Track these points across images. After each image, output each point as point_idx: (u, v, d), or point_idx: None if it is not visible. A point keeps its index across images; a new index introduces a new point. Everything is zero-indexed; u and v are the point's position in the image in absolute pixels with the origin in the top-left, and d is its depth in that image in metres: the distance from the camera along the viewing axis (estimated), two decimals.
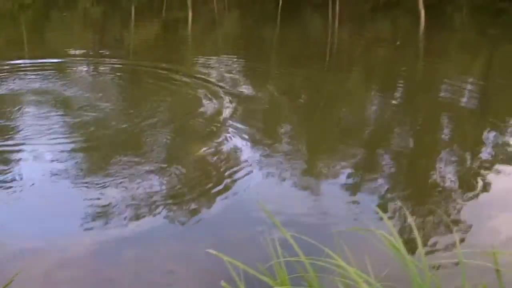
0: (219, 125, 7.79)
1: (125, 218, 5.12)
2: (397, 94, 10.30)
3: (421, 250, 2.46)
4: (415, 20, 21.38)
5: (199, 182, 5.90)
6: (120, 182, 5.70)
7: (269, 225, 4.34)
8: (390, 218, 5.02)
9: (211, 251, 2.29)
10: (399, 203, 5.29)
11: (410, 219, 2.71)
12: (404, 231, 4.37)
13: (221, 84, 10.26)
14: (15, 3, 26.53)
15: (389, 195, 5.71)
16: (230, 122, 7.93)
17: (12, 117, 8.16)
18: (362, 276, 2.23)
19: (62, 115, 8.30)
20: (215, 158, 6.60)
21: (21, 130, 7.51)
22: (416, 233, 2.65)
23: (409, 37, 18.33)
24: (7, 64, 12.27)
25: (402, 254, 2.42)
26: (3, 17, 22.85)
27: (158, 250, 4.66)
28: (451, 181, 6.11)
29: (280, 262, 2.25)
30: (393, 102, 9.79)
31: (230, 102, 9.00)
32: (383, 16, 23.48)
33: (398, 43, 17.25)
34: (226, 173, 6.10)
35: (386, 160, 6.90)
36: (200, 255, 4.42)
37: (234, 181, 5.89)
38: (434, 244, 4.61)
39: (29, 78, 10.83)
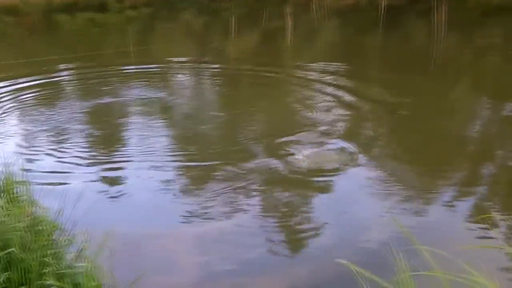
0: (321, 133, 7.69)
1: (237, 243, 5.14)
2: (509, 105, 9.70)
3: None
4: None
5: (311, 194, 5.84)
6: (224, 202, 5.60)
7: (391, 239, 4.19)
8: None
9: (341, 261, 2.21)
10: None
11: None
12: None
13: (323, 91, 10.23)
14: (122, 16, 27.81)
15: (495, 210, 5.37)
16: (333, 130, 7.82)
17: (118, 128, 8.44)
18: None
19: (167, 126, 8.50)
20: (319, 164, 6.50)
21: (127, 142, 7.68)
22: None
23: None
24: (115, 72, 12.86)
25: None
26: (112, 29, 23.95)
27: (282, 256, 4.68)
28: None
29: (408, 275, 2.13)
30: (505, 113, 9.21)
31: (332, 109, 8.95)
32: (495, 22, 22.30)
33: (510, 51, 16.39)
34: (341, 186, 6.01)
35: (503, 175, 6.48)
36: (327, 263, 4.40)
37: (350, 193, 5.80)
38: None
39: (135, 86, 11.27)
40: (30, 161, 6.73)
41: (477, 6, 26.31)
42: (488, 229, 4.89)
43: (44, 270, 3.37)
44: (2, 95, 10.43)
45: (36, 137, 7.91)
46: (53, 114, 9.06)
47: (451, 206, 5.51)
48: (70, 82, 12.49)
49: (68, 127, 8.28)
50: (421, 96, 10.07)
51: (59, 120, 8.68)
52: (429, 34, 19.77)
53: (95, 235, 3.71)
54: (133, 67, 13.92)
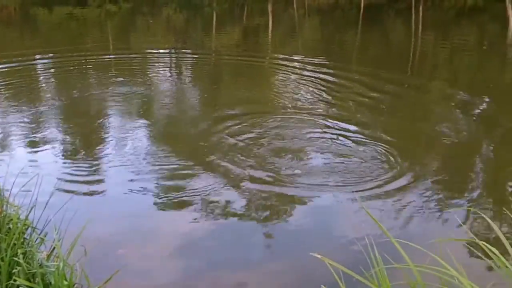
0: (298, 121, 7.71)
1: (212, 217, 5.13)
2: (483, 102, 9.79)
3: None
4: (503, 25, 20.62)
5: (280, 184, 5.84)
6: (201, 202, 5.53)
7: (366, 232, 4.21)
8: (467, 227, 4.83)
9: (315, 254, 2.22)
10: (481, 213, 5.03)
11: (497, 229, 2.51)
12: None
13: (303, 82, 10.53)
14: (102, 10, 27.55)
15: (469, 204, 5.42)
16: (309, 121, 7.88)
17: (94, 124, 8.29)
18: None
19: (145, 122, 8.36)
20: (295, 155, 6.51)
21: (102, 139, 7.55)
22: None
23: (496, 43, 17.61)
24: (92, 65, 12.79)
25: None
26: (91, 24, 23.71)
27: (258, 250, 4.70)
28: None
29: (382, 268, 2.15)
30: (478, 110, 9.26)
31: (310, 101, 9.20)
32: (469, 22, 22.74)
33: (484, 47, 16.68)
34: (315, 182, 6.00)
35: (471, 170, 6.51)
36: (302, 258, 4.41)
37: (321, 185, 5.81)
38: None
39: (113, 79, 11.25)
40: (0, 156, 6.65)
41: (452, 6, 26.73)
42: (460, 222, 4.95)
43: (14, 270, 3.31)
44: None
45: (7, 132, 7.81)
46: (27, 108, 8.95)
47: (424, 199, 5.56)
48: (45, 75, 12.36)
49: (42, 122, 8.19)
50: (399, 91, 10.19)
51: (33, 114, 8.58)
52: (407, 32, 19.99)
53: (68, 234, 3.66)
54: (112, 59, 13.93)
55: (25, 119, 8.29)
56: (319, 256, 2.20)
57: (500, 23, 21.62)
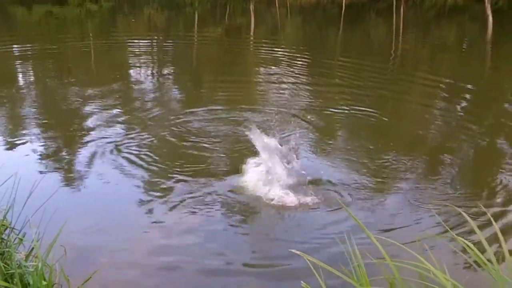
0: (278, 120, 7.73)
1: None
2: (462, 100, 9.88)
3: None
4: (482, 25, 20.87)
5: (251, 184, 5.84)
6: (184, 200, 5.50)
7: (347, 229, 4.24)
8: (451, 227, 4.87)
9: (294, 251, 2.23)
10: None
11: (475, 228, 2.54)
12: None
13: (282, 79, 10.71)
14: (82, 10, 27.35)
15: (448, 201, 5.46)
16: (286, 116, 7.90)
17: (74, 119, 8.21)
18: (454, 283, 2.10)
19: (126, 118, 8.29)
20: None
21: (82, 135, 7.45)
22: (502, 241, 2.49)
23: (475, 42, 17.82)
24: (73, 63, 12.70)
25: (487, 265, 2.30)
26: (71, 23, 23.53)
27: (239, 248, 4.70)
28: None
29: (361, 264, 2.16)
30: (458, 107, 9.33)
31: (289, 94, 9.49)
32: (449, 22, 22.99)
33: (464, 46, 16.86)
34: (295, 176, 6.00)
35: (451, 167, 6.54)
36: (282, 254, 4.41)
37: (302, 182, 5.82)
38: None
39: (91, 73, 11.20)
40: None
41: (433, 6, 26.99)
42: (439, 219, 4.98)
43: None
44: None
45: None
46: (2, 106, 8.86)
47: (406, 196, 5.58)
48: (24, 72, 12.28)
49: (19, 120, 8.11)
50: (380, 90, 10.29)
51: (9, 112, 8.50)
52: (387, 32, 20.13)
53: (47, 234, 3.62)
54: (91, 54, 13.93)
55: (1, 118, 8.20)
56: (298, 252, 2.21)
57: (479, 23, 21.89)
